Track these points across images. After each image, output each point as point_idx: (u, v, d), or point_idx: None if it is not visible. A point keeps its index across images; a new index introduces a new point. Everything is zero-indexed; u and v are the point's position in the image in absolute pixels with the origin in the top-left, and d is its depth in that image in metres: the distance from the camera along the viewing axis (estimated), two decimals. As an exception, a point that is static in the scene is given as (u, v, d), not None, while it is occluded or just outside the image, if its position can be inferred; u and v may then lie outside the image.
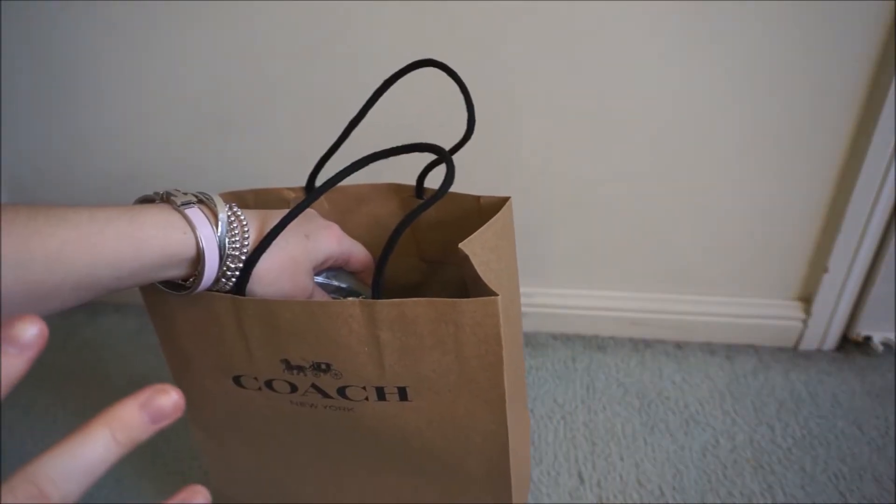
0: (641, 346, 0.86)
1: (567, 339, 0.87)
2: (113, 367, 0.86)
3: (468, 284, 0.41)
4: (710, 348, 0.85)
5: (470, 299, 0.37)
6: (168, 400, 0.22)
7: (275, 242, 0.39)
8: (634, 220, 0.80)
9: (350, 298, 0.48)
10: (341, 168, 0.42)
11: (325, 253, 0.44)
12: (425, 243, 0.53)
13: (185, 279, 0.39)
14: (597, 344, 0.86)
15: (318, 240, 0.43)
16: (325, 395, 0.44)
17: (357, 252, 0.47)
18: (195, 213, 0.37)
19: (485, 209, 0.47)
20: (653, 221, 0.79)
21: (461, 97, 0.45)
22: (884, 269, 0.76)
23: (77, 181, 0.90)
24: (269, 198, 0.51)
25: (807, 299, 0.82)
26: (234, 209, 0.39)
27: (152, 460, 0.71)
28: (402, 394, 0.42)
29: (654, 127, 0.73)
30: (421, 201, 0.50)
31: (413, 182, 0.51)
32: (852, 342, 0.83)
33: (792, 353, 0.83)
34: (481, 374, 0.40)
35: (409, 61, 0.46)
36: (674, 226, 0.79)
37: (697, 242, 0.80)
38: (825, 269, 0.78)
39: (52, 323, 0.21)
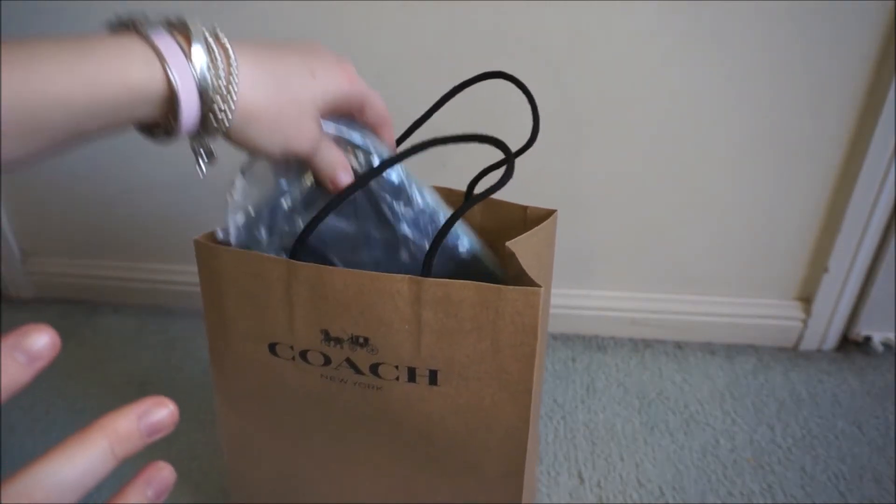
0: (641, 346, 0.86)
1: (567, 339, 0.87)
2: (113, 367, 0.86)
3: (509, 283, 0.42)
4: (710, 348, 0.85)
5: (514, 287, 0.38)
6: (165, 413, 0.21)
7: (276, 80, 0.35)
8: (634, 220, 0.80)
9: (360, 155, 0.44)
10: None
11: (333, 93, 0.38)
12: None
13: (166, 124, 0.33)
14: (597, 344, 0.86)
15: (327, 78, 0.38)
16: (357, 371, 0.44)
17: (373, 99, 0.41)
18: (163, 40, 0.32)
19: (530, 220, 0.48)
20: (653, 222, 0.79)
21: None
22: (884, 269, 0.76)
23: (76, 182, 0.90)
24: None
25: (807, 299, 0.82)
26: (218, 34, 0.33)
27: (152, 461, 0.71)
28: (433, 377, 0.43)
29: (653, 127, 0.73)
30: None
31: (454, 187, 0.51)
32: (852, 342, 0.83)
33: (792, 354, 0.83)
34: (513, 365, 0.41)
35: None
36: (674, 226, 0.79)
37: (697, 242, 0.80)
38: (825, 270, 0.78)
39: (51, 322, 0.21)
